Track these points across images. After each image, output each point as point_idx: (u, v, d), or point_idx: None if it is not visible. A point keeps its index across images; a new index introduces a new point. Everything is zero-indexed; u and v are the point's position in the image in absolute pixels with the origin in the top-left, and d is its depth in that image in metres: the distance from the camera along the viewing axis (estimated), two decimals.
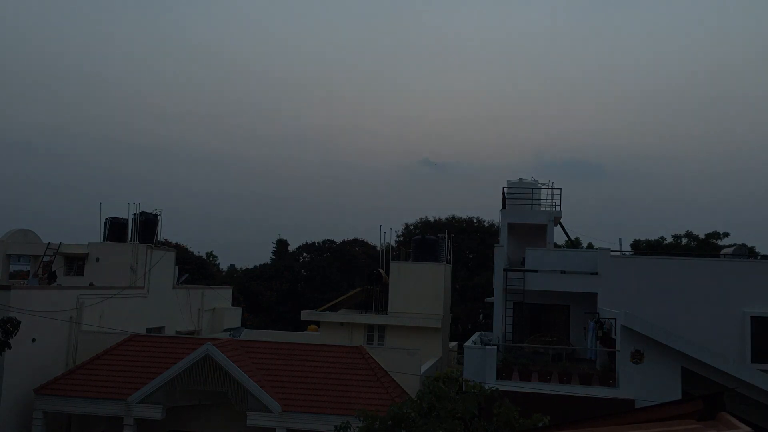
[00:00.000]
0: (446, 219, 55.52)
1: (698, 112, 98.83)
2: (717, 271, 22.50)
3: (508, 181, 27.20)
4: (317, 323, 32.67)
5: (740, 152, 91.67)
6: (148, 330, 27.09)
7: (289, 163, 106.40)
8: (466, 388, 15.61)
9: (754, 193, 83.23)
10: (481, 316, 48.29)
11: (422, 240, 32.94)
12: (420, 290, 30.58)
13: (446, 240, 33.21)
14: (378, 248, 40.05)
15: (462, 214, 56.93)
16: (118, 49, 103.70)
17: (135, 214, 30.25)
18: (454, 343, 34.19)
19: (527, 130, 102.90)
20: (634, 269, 22.77)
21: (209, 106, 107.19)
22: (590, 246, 40.42)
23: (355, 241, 60.27)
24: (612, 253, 23.76)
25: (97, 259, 29.31)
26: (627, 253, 30.40)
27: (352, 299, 34.33)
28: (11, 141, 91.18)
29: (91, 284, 27.69)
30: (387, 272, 32.44)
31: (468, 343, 21.65)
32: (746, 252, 29.45)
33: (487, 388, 14.58)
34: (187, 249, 54.88)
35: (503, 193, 26.49)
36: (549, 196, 26.66)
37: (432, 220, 55.73)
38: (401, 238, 52.33)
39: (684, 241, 48.96)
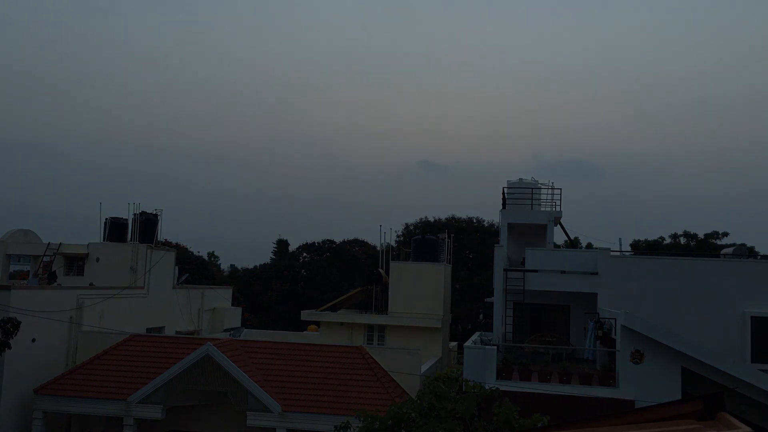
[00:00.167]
0: (446, 219, 55.51)
1: (698, 111, 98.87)
2: (717, 271, 22.48)
3: (508, 181, 27.20)
4: (317, 323, 32.67)
5: (739, 152, 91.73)
6: (148, 330, 27.09)
7: (290, 163, 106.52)
8: (466, 388, 15.62)
9: (753, 192, 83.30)
10: (481, 316, 48.28)
11: (422, 240, 32.93)
12: (420, 290, 30.57)
13: (446, 240, 33.20)
14: (378, 248, 40.05)
15: (462, 214, 57.02)
16: (118, 49, 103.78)
17: (135, 214, 30.27)
18: (454, 343, 34.18)
19: (527, 131, 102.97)
20: (634, 269, 22.75)
21: (210, 106, 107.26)
22: (590, 246, 40.41)
23: (355, 241, 60.27)
24: (612, 253, 23.75)
25: (97, 259, 29.31)
26: (627, 253, 30.40)
27: (352, 299, 34.33)
28: (12, 141, 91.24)
29: (91, 284, 27.69)
30: (387, 272, 32.43)
31: (468, 343, 21.64)
32: (746, 252, 29.46)
33: (487, 388, 14.58)
34: (187, 249, 54.87)
35: (503, 193, 26.48)
36: (549, 196, 26.68)
37: (432, 220, 55.72)
38: (401, 238, 52.34)
39: (683, 240, 49.01)
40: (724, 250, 28.86)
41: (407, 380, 20.83)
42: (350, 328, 30.50)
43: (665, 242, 49.04)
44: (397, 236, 53.34)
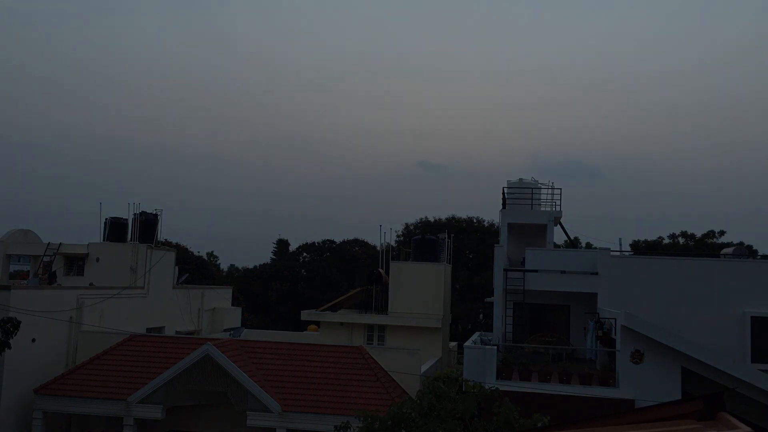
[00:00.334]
0: (446, 219, 55.53)
1: (697, 111, 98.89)
2: (717, 271, 22.48)
3: (508, 181, 27.21)
4: (317, 323, 32.66)
5: (739, 151, 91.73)
6: (148, 330, 27.09)
7: (290, 163, 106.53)
8: (466, 388, 15.62)
9: (751, 191, 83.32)
10: (481, 316, 48.29)
11: (422, 240, 32.93)
12: (420, 290, 30.56)
13: (446, 240, 33.19)
14: (378, 248, 40.05)
15: (462, 214, 57.04)
16: (118, 49, 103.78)
17: (135, 214, 30.29)
18: (454, 343, 34.17)
19: (527, 131, 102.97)
20: (634, 269, 22.76)
21: (210, 106, 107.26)
22: (590, 246, 40.44)
23: (355, 241, 60.28)
24: (612, 253, 23.76)
25: (97, 259, 29.32)
26: (627, 253, 30.40)
27: (352, 299, 34.32)
28: (12, 140, 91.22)
29: (91, 284, 27.69)
30: (387, 272, 32.42)
31: (468, 343, 21.63)
32: (746, 252, 29.48)
33: (487, 388, 14.59)
34: (187, 249, 54.88)
35: (503, 193, 26.50)
36: (549, 196, 26.70)
37: (432, 220, 55.74)
38: (401, 238, 52.37)
39: (681, 240, 49.07)
40: (724, 250, 28.87)
41: (407, 380, 20.83)
42: (350, 328, 30.50)
43: (664, 242, 49.10)
44: (397, 236, 53.43)
